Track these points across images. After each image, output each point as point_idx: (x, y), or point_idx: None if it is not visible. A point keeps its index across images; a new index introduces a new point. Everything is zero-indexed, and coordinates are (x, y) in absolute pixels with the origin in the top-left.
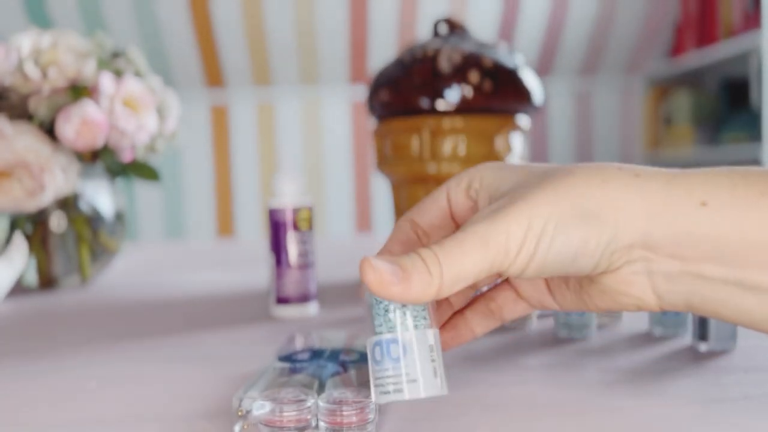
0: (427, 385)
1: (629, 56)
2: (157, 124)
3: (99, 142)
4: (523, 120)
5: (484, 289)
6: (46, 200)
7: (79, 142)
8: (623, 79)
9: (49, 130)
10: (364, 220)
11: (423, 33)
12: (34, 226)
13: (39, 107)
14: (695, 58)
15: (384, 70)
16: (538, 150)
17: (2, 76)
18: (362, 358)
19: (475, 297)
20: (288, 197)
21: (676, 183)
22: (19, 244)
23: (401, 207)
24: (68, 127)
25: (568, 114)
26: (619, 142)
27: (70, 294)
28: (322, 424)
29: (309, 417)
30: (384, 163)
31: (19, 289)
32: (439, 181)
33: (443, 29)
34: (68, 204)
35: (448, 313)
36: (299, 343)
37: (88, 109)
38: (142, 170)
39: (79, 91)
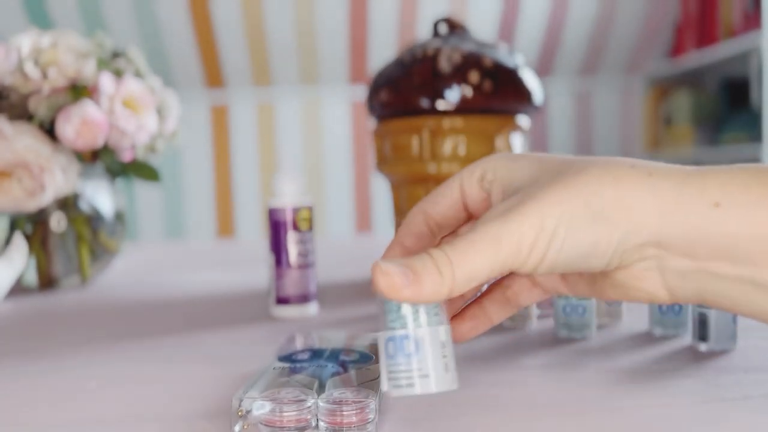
0: (439, 380)
1: (629, 56)
2: (157, 124)
3: (99, 142)
4: (523, 120)
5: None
6: (46, 200)
7: (79, 142)
8: (623, 79)
9: (49, 130)
10: (364, 221)
11: (423, 33)
12: (34, 226)
13: (39, 107)
14: (695, 58)
15: (384, 70)
16: (539, 150)
17: (2, 75)
18: (362, 358)
19: (491, 286)
20: (288, 197)
21: (689, 182)
22: (19, 244)
23: (401, 207)
24: (68, 127)
25: (568, 114)
26: (619, 142)
27: (70, 294)
28: (322, 424)
29: (309, 417)
30: (384, 163)
31: (19, 289)
32: (439, 181)
33: (443, 29)
34: (68, 204)
35: (459, 303)
36: (299, 343)
37: (88, 109)
38: (142, 170)
39: (79, 91)
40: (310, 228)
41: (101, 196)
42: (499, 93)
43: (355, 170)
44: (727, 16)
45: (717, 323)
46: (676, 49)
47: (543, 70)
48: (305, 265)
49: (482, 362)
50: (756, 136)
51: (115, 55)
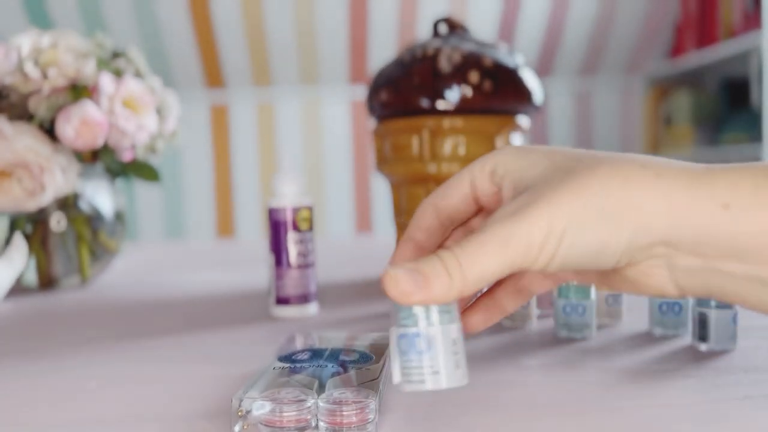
0: (449, 377)
1: (629, 56)
2: (157, 124)
3: (99, 142)
4: (523, 120)
5: None
6: (46, 200)
7: (78, 142)
8: (623, 79)
9: (49, 130)
10: (364, 221)
11: (423, 33)
12: (33, 226)
13: (39, 107)
14: (695, 58)
15: (384, 70)
16: None
17: (2, 75)
18: (362, 358)
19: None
20: (288, 197)
21: (699, 183)
22: (19, 244)
23: (401, 207)
24: (68, 127)
25: (569, 114)
26: (619, 142)
27: (70, 294)
28: (322, 424)
29: (309, 417)
30: (384, 163)
31: (19, 289)
32: (439, 181)
33: (443, 29)
34: (68, 204)
35: (471, 296)
36: (299, 343)
37: (88, 109)
38: (142, 170)
39: (79, 91)
40: (310, 228)
41: (101, 196)
42: (499, 93)
43: (354, 170)
44: (727, 16)
45: (717, 323)
46: (676, 49)
47: (543, 70)
48: (305, 265)
49: (482, 362)
50: (756, 137)
51: (115, 55)
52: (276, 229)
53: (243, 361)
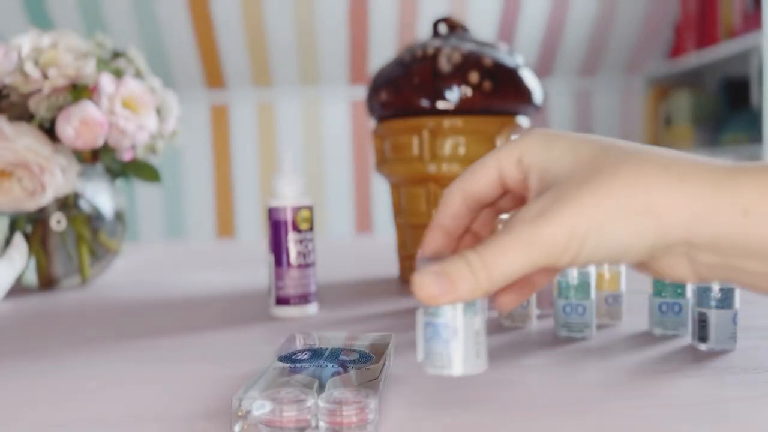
0: (469, 364)
1: (629, 56)
2: (157, 124)
3: (99, 142)
4: (523, 120)
5: None
6: (46, 200)
7: (79, 142)
8: (623, 80)
9: (49, 130)
10: (364, 221)
11: (423, 33)
12: (33, 226)
13: (39, 107)
14: (695, 58)
15: (384, 70)
16: None
17: (2, 75)
18: (362, 358)
19: None
20: (288, 197)
21: (721, 187)
22: (19, 244)
23: (401, 207)
24: (68, 127)
25: (569, 114)
26: None
27: (70, 294)
28: (322, 424)
29: (309, 417)
30: (383, 163)
31: (19, 289)
32: (438, 181)
33: (443, 29)
34: (68, 204)
35: None
36: (299, 343)
37: (88, 109)
38: (142, 170)
39: (79, 91)
40: (310, 228)
41: (101, 196)
42: (499, 93)
43: (354, 171)
44: (727, 16)
45: (717, 323)
46: (676, 49)
47: (543, 70)
48: (305, 265)
49: None
50: (756, 137)
51: (115, 55)
52: (276, 229)
53: (243, 361)
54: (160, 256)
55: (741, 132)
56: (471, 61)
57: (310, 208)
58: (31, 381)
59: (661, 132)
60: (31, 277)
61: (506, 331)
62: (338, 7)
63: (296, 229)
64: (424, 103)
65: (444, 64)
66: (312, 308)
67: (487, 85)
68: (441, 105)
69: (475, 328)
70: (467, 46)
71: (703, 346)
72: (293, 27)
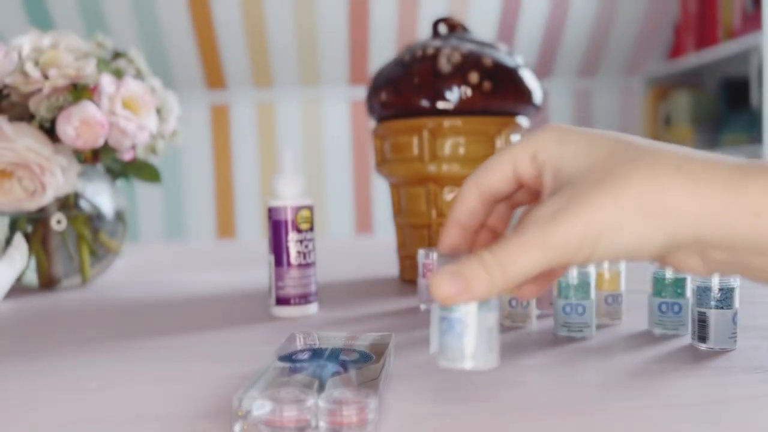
0: (481, 359)
1: (629, 57)
2: (157, 124)
3: (99, 142)
4: (523, 120)
5: None
6: (47, 200)
7: (79, 142)
8: (623, 80)
9: (49, 130)
10: (363, 222)
11: (423, 34)
12: (34, 226)
13: (39, 107)
14: (694, 58)
15: (384, 70)
16: None
17: (3, 75)
18: (362, 357)
19: None
20: (288, 197)
21: (734, 188)
22: (20, 243)
23: (401, 207)
24: (68, 127)
25: (568, 114)
26: None
27: (70, 294)
28: (322, 424)
29: (309, 417)
30: (383, 163)
31: (19, 288)
32: (438, 181)
33: (443, 29)
34: (68, 204)
35: None
36: (299, 343)
37: (88, 109)
38: (143, 170)
39: (79, 91)
40: (311, 228)
41: (102, 196)
42: (499, 93)
43: (354, 171)
44: (727, 16)
45: (716, 323)
46: (676, 49)
47: (543, 70)
48: (305, 265)
49: None
50: (756, 137)
51: (116, 55)
52: (276, 228)
53: (243, 360)
54: (160, 256)
55: (741, 132)
56: (471, 62)
57: (310, 208)
58: (31, 381)
59: (660, 132)
60: (32, 277)
61: (506, 331)
62: (338, 7)
63: (296, 229)
64: (424, 103)
65: (444, 65)
66: (312, 308)
67: (486, 85)
68: (441, 105)
69: (489, 324)
70: (467, 47)
71: (702, 346)
72: (293, 28)
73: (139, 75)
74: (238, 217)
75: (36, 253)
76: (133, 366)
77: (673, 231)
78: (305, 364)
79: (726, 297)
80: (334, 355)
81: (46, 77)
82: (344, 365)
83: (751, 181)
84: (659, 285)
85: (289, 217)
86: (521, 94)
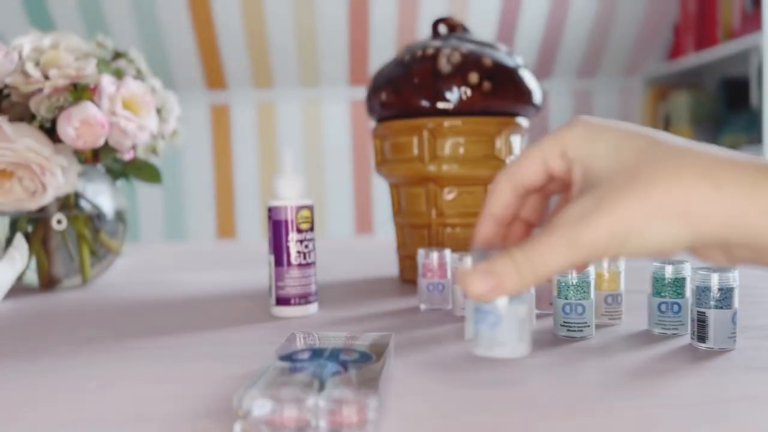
0: (513, 349)
1: (628, 57)
2: (158, 124)
3: (99, 142)
4: (522, 120)
5: None
6: (47, 200)
7: (79, 142)
8: (622, 80)
9: (49, 130)
10: (363, 222)
11: (423, 35)
12: (34, 226)
13: (40, 107)
14: (694, 58)
15: (384, 71)
16: None
17: (3, 76)
18: (362, 357)
19: None
20: (288, 197)
21: (757, 193)
22: (20, 243)
23: (401, 207)
24: (69, 128)
25: (568, 114)
26: None
27: (71, 294)
28: (322, 423)
29: (309, 417)
30: (383, 163)
31: (20, 288)
32: (438, 181)
33: (442, 29)
34: (69, 204)
35: None
36: (299, 343)
37: (88, 109)
38: (143, 171)
39: (79, 91)
40: (311, 228)
41: (102, 196)
42: (499, 93)
43: (354, 171)
44: (727, 17)
45: (716, 323)
46: (675, 50)
47: (543, 71)
48: (305, 265)
49: (482, 362)
50: (756, 137)
51: (116, 55)
52: (276, 228)
53: (243, 360)
54: (160, 256)
55: (740, 132)
56: (471, 62)
57: (310, 208)
58: (31, 381)
59: None
60: (32, 277)
61: None
62: (338, 8)
63: (297, 228)
64: (424, 103)
65: (444, 65)
66: (312, 308)
67: (486, 85)
68: (441, 105)
69: (520, 316)
70: (467, 47)
71: (702, 346)
72: (293, 28)
73: (139, 75)
74: (239, 218)
75: (36, 253)
76: (133, 366)
77: (698, 232)
78: (305, 364)
79: (725, 297)
80: (334, 354)
81: (46, 77)
82: (344, 365)
83: None
84: (659, 285)
85: (290, 217)
86: (521, 94)
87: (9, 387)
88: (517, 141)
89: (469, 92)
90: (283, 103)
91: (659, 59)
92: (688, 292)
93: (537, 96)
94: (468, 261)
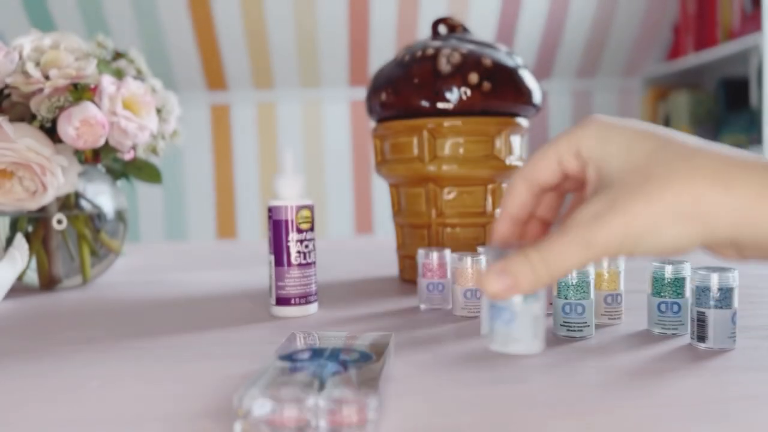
0: (527, 345)
1: (628, 57)
2: (158, 124)
3: (100, 143)
4: (522, 120)
5: None
6: (47, 200)
7: (80, 142)
8: (622, 80)
9: (50, 131)
10: (364, 222)
11: (423, 35)
12: (35, 226)
13: (40, 107)
14: (694, 58)
15: (383, 71)
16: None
17: (4, 76)
18: (362, 357)
19: None
20: (289, 197)
21: (765, 194)
22: (21, 243)
23: (401, 207)
24: (69, 127)
25: (568, 114)
26: None
27: (71, 294)
28: (322, 423)
29: (309, 416)
30: (383, 163)
31: (20, 288)
32: (438, 181)
33: (442, 29)
34: (69, 204)
35: None
36: (299, 343)
37: (89, 109)
38: (144, 171)
39: (80, 91)
40: (311, 228)
41: (102, 196)
42: (498, 93)
43: (354, 172)
44: (726, 17)
45: (716, 323)
46: (675, 50)
47: (542, 71)
48: (305, 265)
49: (482, 362)
50: (755, 138)
51: (117, 56)
52: (277, 228)
53: (244, 360)
54: (160, 256)
55: (740, 133)
56: (470, 62)
57: (310, 208)
58: (32, 381)
59: None
60: (33, 277)
61: None
62: (338, 9)
63: (297, 228)
64: (424, 103)
65: (443, 65)
66: (312, 308)
67: (486, 85)
68: (441, 105)
69: (535, 313)
70: (467, 47)
71: (702, 346)
72: (294, 29)
73: (139, 75)
74: (239, 218)
75: (37, 253)
76: (133, 366)
77: (709, 232)
78: (305, 364)
79: (725, 297)
80: (335, 354)
81: (46, 77)
82: (344, 365)
83: None
84: (658, 285)
85: (290, 216)
86: (521, 94)
87: (9, 387)
88: (516, 141)
89: (469, 92)
90: (284, 103)
91: (659, 59)
92: (688, 292)
93: (537, 96)
94: (468, 261)
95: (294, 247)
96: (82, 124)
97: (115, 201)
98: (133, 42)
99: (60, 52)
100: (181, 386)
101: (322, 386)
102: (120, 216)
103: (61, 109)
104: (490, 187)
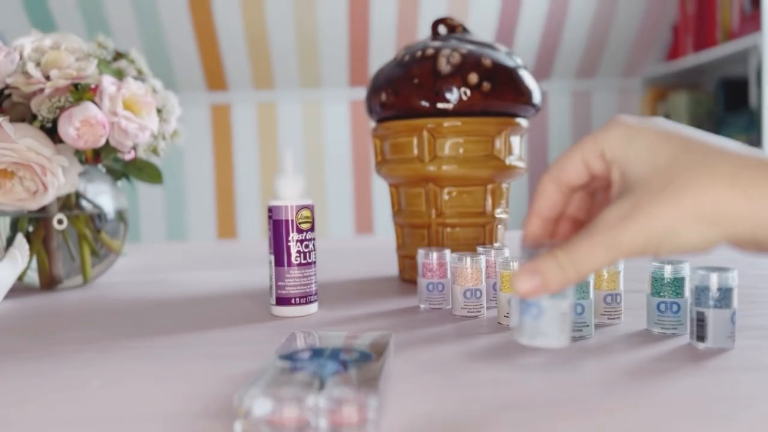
0: (554, 339)
1: (627, 58)
2: (158, 125)
3: (100, 143)
4: (522, 121)
5: None
6: (48, 200)
7: (80, 142)
8: (621, 81)
9: (50, 131)
10: (364, 222)
11: (423, 35)
12: (35, 226)
13: (41, 107)
14: (693, 59)
15: (383, 71)
16: (538, 151)
17: (4, 76)
18: (362, 357)
19: None
20: (289, 197)
21: None
22: (21, 243)
23: (401, 208)
24: (70, 128)
25: (567, 115)
26: None
27: (71, 294)
28: (322, 423)
29: (309, 416)
30: (383, 163)
31: (21, 288)
32: (438, 181)
33: (442, 30)
34: (70, 204)
35: None
36: (300, 342)
37: (89, 109)
38: (144, 171)
39: (80, 91)
40: (311, 228)
41: (103, 197)
42: (498, 93)
43: (354, 172)
44: (726, 17)
45: (715, 323)
46: (674, 50)
47: (542, 72)
48: (306, 265)
49: (482, 362)
50: (755, 138)
51: (117, 56)
52: (277, 228)
53: (244, 360)
54: (161, 256)
55: (740, 133)
56: (470, 62)
57: (310, 208)
58: (32, 381)
59: None
60: (33, 277)
61: (506, 331)
62: (338, 9)
63: (297, 228)
64: (424, 103)
65: (443, 65)
66: (312, 308)
67: (486, 85)
68: (440, 105)
69: (562, 310)
70: (466, 47)
71: (701, 346)
72: (294, 30)
73: (140, 76)
74: (239, 218)
75: (37, 253)
76: (133, 366)
77: (729, 233)
78: (306, 363)
79: (724, 297)
80: (335, 354)
81: (47, 78)
82: (344, 364)
83: None
84: (658, 285)
85: (290, 216)
86: (520, 94)
87: (9, 387)
88: (516, 141)
89: (468, 92)
90: (284, 103)
91: (658, 60)
92: (687, 291)
93: (536, 96)
94: (468, 261)
95: (294, 247)
96: (82, 125)
97: (115, 201)
98: (133, 42)
99: (61, 53)
100: (181, 386)
101: (322, 386)
102: (120, 216)
103: (62, 109)
104: (489, 187)
